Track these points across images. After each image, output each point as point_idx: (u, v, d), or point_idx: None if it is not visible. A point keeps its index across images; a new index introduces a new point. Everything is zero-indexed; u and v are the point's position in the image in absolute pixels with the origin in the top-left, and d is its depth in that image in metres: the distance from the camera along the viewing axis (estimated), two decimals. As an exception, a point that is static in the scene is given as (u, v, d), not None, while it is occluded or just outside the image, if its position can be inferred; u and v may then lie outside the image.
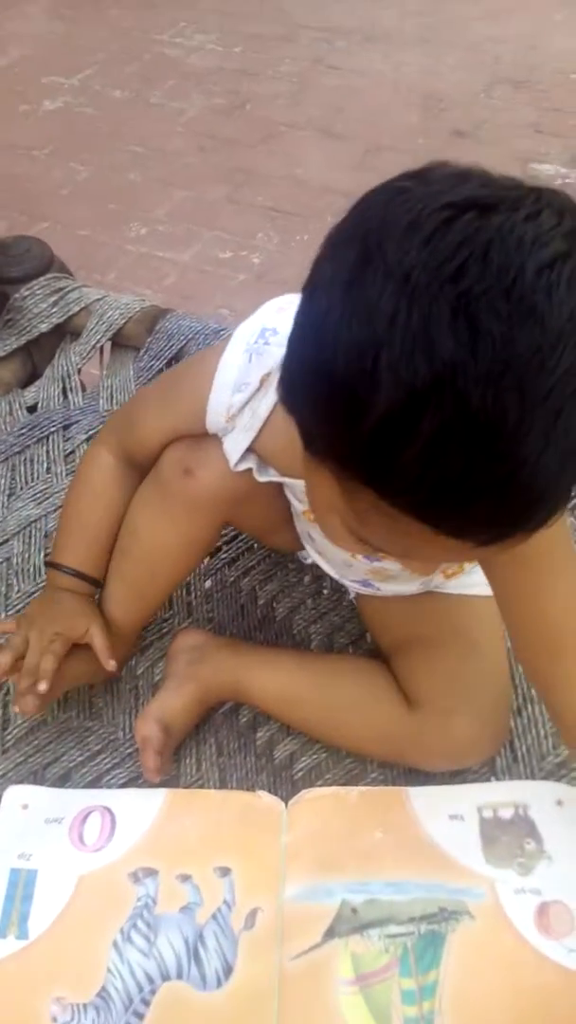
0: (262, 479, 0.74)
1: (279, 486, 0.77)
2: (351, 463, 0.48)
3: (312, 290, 0.48)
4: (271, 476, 0.74)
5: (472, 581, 0.82)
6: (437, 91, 2.51)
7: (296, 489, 0.77)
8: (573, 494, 0.48)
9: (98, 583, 0.85)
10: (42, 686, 0.78)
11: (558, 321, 0.42)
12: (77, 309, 1.19)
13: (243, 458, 0.73)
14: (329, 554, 0.83)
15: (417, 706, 0.78)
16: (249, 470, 0.74)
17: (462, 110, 2.44)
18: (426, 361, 0.42)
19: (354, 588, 0.87)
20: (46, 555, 0.90)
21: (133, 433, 0.82)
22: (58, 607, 0.83)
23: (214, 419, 0.73)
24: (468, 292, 0.42)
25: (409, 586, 0.83)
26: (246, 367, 0.71)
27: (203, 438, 0.75)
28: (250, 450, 0.72)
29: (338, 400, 0.46)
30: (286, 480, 0.75)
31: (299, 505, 0.80)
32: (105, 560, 0.85)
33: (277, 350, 0.69)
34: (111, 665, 0.82)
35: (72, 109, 2.51)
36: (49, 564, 0.87)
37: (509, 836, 0.76)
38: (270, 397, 0.70)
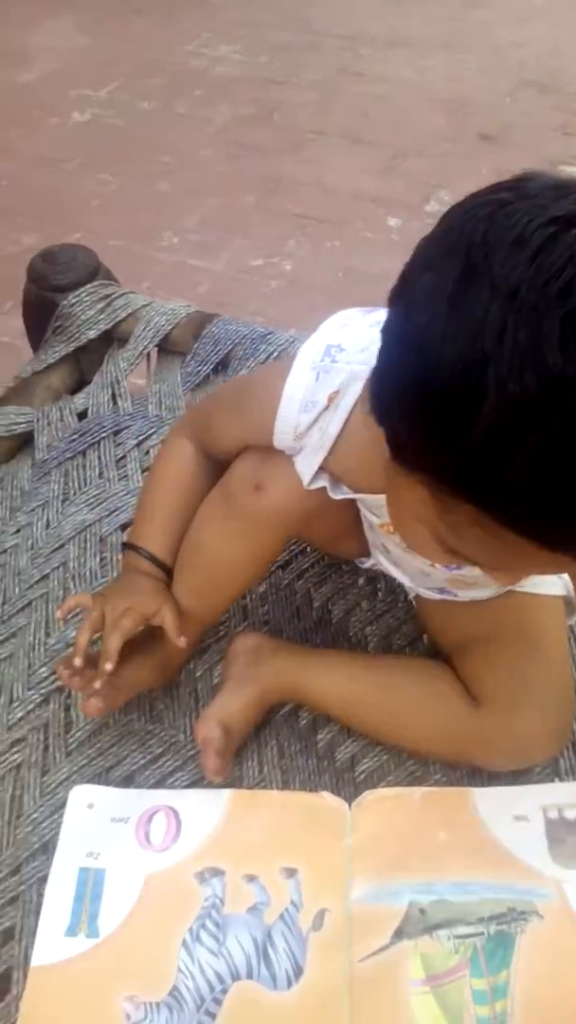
0: (336, 496, 0.73)
1: (350, 499, 0.77)
2: (450, 477, 0.48)
3: (409, 303, 0.49)
4: (345, 493, 0.74)
5: (539, 580, 0.82)
6: (462, 95, 2.52)
7: (370, 503, 0.77)
8: None
9: (168, 570, 0.85)
10: (108, 666, 0.78)
11: None
12: (124, 315, 1.20)
13: (316, 477, 0.72)
14: (405, 565, 0.83)
15: (480, 704, 0.79)
16: (322, 487, 0.73)
17: (488, 114, 2.45)
18: (535, 377, 0.43)
19: (430, 596, 0.87)
20: (123, 543, 0.90)
21: (207, 432, 0.83)
22: (133, 585, 0.84)
23: (282, 438, 0.73)
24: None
25: (486, 591, 0.83)
26: (313, 386, 0.70)
27: (273, 452, 0.75)
28: (322, 468, 0.72)
29: (441, 415, 0.46)
30: (361, 496, 0.75)
31: (374, 519, 0.79)
32: (177, 546, 0.85)
33: (344, 367, 0.69)
34: (182, 642, 0.81)
35: (101, 121, 2.53)
36: (126, 545, 0.88)
37: (575, 837, 0.76)
38: (339, 415, 0.70)
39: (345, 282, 1.99)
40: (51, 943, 0.74)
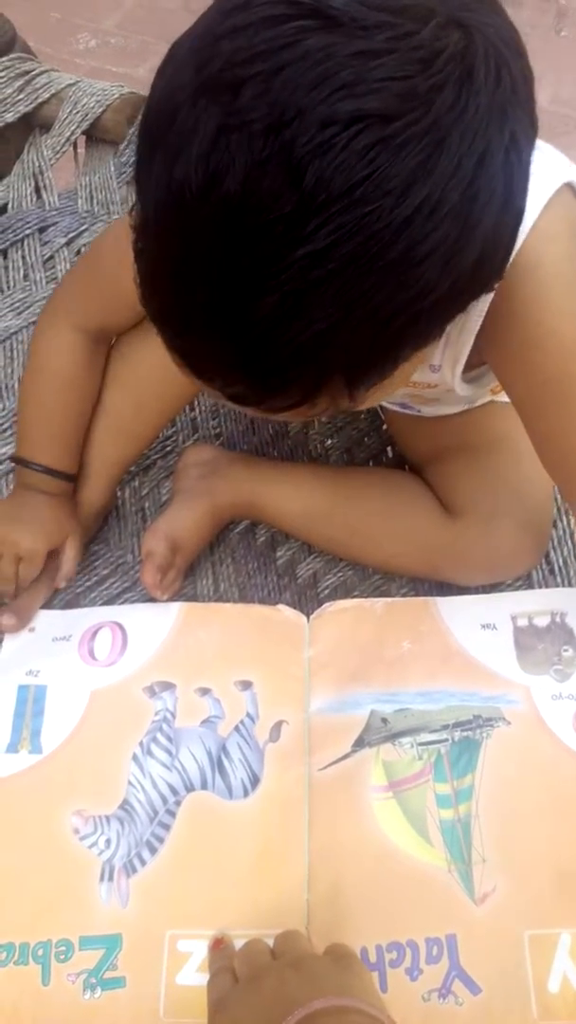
0: None
1: None
2: None
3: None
4: None
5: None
6: None
7: None
8: None
9: (73, 478, 0.77)
10: (7, 619, 0.75)
11: (319, 189, 0.35)
12: (47, 96, 1.06)
13: None
14: None
15: (457, 514, 0.74)
16: None
17: None
18: (174, 170, 0.37)
19: (394, 410, 0.80)
20: (12, 456, 0.79)
21: (109, 290, 0.67)
22: (27, 511, 0.75)
23: None
24: (238, 114, 0.36)
25: (452, 408, 0.77)
26: None
27: None
28: None
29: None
30: None
31: None
32: (79, 450, 0.76)
33: None
34: (60, 584, 0.78)
35: None
36: (15, 460, 0.77)
37: (545, 644, 0.73)
38: None
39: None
40: (-11, 761, 0.69)
